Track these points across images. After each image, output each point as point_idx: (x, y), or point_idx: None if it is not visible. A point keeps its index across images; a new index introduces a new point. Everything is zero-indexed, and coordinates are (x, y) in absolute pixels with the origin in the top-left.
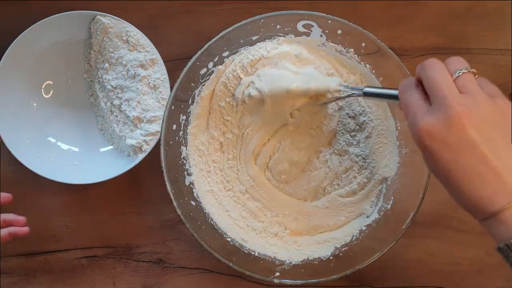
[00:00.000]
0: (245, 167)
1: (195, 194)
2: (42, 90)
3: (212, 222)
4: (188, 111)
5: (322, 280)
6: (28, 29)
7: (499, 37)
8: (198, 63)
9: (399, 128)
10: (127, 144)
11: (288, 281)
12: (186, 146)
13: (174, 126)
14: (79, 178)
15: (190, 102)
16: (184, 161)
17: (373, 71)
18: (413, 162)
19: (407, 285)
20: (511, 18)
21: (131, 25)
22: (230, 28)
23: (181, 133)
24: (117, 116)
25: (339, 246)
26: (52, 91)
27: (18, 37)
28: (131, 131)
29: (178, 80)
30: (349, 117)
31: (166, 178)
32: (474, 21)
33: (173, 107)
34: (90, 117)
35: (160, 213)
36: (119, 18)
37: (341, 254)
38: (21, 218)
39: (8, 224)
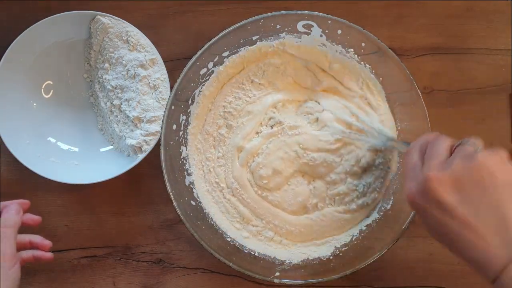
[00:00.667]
0: (230, 167)
1: (195, 194)
2: (42, 90)
3: (212, 222)
4: (188, 111)
5: (322, 280)
6: (28, 29)
7: (499, 37)
8: (198, 63)
9: (399, 128)
10: (127, 144)
11: (288, 281)
12: (186, 146)
13: (174, 126)
14: (79, 178)
15: (190, 102)
16: (184, 161)
17: (373, 71)
18: None
19: (407, 285)
20: (511, 18)
21: (131, 25)
22: (230, 28)
23: (181, 133)
24: (117, 116)
25: (339, 246)
26: (52, 91)
27: (18, 37)
28: (131, 131)
29: (178, 80)
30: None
31: (166, 178)
32: (474, 21)
33: (173, 107)
34: (90, 117)
35: (160, 213)
36: (119, 18)
37: (341, 254)
38: (47, 243)
39: (34, 246)
